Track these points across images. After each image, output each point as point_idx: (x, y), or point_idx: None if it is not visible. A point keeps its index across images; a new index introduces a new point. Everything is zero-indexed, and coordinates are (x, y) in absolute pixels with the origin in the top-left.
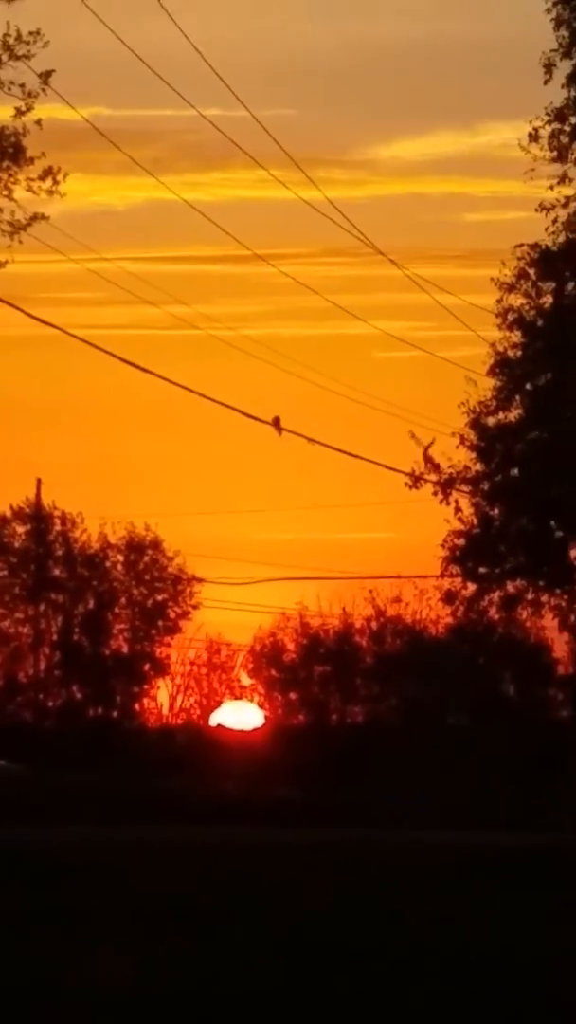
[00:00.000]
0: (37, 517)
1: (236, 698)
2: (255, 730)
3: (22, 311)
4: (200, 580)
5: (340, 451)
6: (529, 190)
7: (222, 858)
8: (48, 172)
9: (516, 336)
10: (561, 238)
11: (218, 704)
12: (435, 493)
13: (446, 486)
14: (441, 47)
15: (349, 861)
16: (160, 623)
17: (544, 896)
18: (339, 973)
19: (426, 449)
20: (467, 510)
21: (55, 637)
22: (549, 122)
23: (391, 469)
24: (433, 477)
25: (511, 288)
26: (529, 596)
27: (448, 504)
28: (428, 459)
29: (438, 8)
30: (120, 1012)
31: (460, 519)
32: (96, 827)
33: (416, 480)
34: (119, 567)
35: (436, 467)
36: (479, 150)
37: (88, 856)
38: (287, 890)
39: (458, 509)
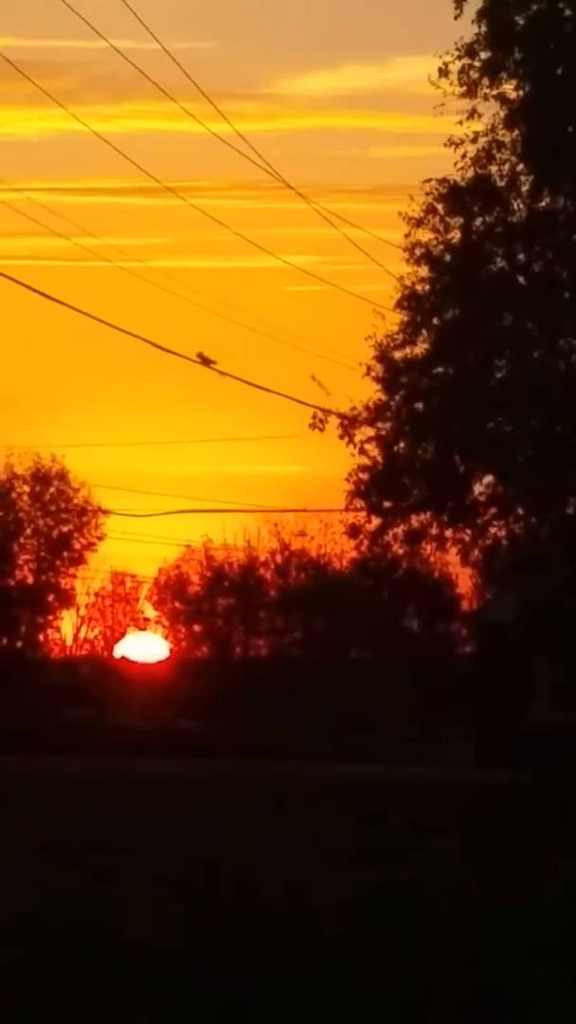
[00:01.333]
0: None
1: (140, 630)
2: (159, 662)
3: None
4: (106, 512)
5: (249, 383)
6: (438, 125)
7: (120, 790)
8: None
9: (424, 271)
10: (470, 173)
11: (122, 636)
12: (341, 436)
13: (349, 426)
14: None
15: (248, 795)
16: (65, 554)
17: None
18: (236, 913)
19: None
20: (371, 448)
21: None
22: (459, 57)
23: (299, 402)
24: (336, 421)
25: (419, 223)
26: (433, 531)
27: (352, 445)
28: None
29: None
30: (7, 941)
31: (364, 454)
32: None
33: (321, 422)
34: (24, 498)
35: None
36: (389, 85)
37: None
38: (185, 824)
39: (362, 450)
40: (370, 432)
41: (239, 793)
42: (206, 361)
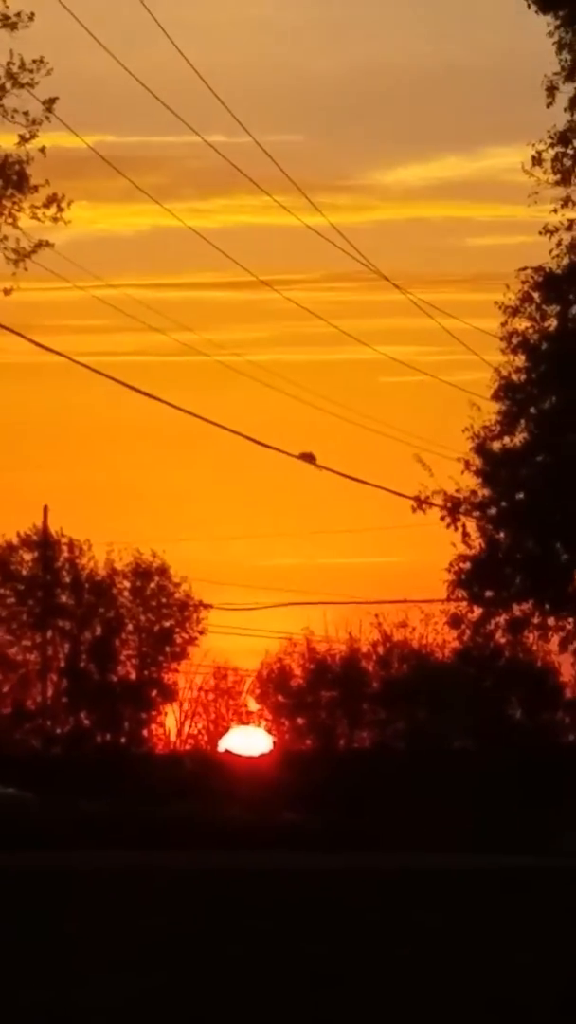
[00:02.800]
0: (44, 544)
1: (243, 723)
2: (263, 755)
3: (27, 339)
4: (207, 606)
5: (347, 476)
6: (533, 214)
7: (228, 883)
8: (52, 199)
9: (520, 360)
10: (565, 261)
11: (226, 729)
12: (443, 518)
13: (453, 510)
14: (443, 72)
15: (356, 888)
16: (167, 649)
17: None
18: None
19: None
20: (473, 534)
21: (62, 664)
22: (552, 145)
23: (397, 494)
24: (439, 501)
25: (515, 312)
26: (535, 620)
27: (455, 528)
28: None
29: (441, 33)
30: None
31: (467, 543)
32: (104, 853)
33: (421, 504)
34: (126, 593)
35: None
36: (482, 174)
37: (95, 882)
38: (293, 917)
39: (465, 533)
40: (472, 521)
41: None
42: (308, 458)
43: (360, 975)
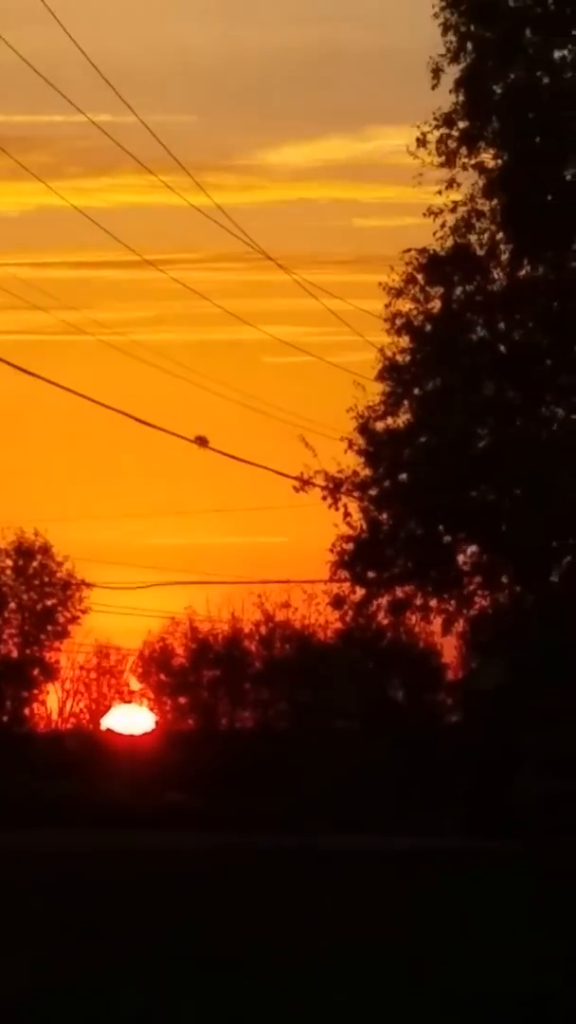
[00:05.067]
0: None
1: (126, 703)
2: (145, 734)
3: None
4: (89, 585)
5: (231, 456)
6: (417, 195)
7: (107, 863)
8: None
9: (404, 341)
10: (449, 243)
11: (108, 709)
12: (324, 497)
13: (334, 490)
14: (330, 52)
15: (237, 867)
16: (49, 628)
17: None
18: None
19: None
20: (356, 515)
21: None
22: (437, 127)
23: (281, 474)
24: (321, 481)
25: (399, 293)
26: (418, 601)
27: (337, 509)
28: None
29: (327, 14)
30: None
31: (348, 524)
32: None
33: (304, 484)
34: (8, 572)
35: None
36: (369, 156)
37: None
38: (174, 896)
39: (347, 514)
40: (354, 502)
41: (228, 864)
42: (202, 441)
43: (248, 954)
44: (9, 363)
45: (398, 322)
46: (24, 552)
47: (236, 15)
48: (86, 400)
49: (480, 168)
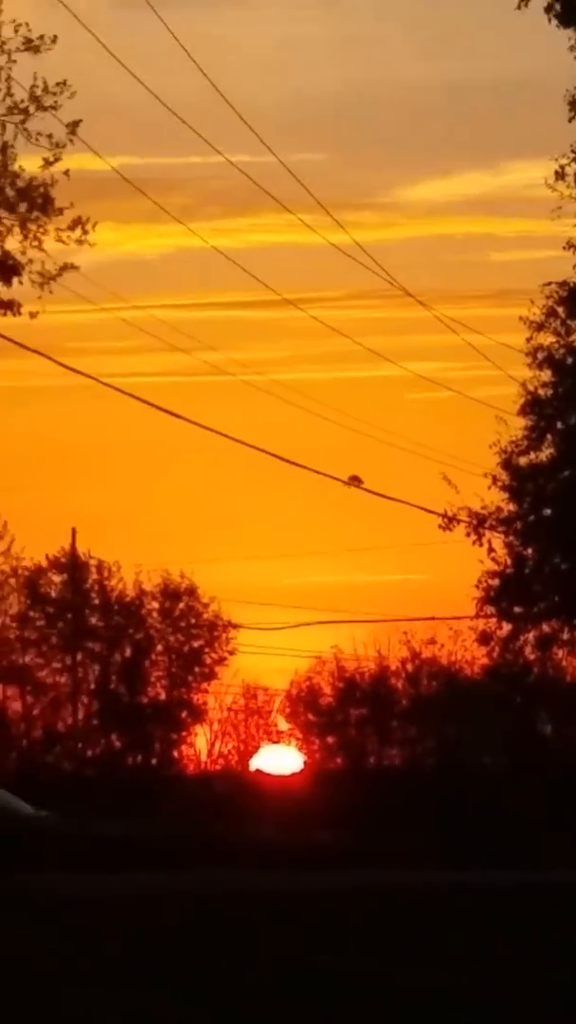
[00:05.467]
0: (73, 566)
1: (274, 743)
2: (294, 774)
3: (54, 361)
4: (236, 626)
5: (374, 493)
6: (556, 228)
7: (259, 904)
8: (77, 222)
9: (546, 375)
10: None
11: (256, 749)
12: (468, 534)
13: (479, 526)
14: (464, 87)
15: (388, 905)
16: (197, 669)
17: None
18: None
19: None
20: (500, 550)
21: (93, 686)
22: (575, 159)
23: (424, 510)
24: (465, 518)
25: (540, 327)
26: (564, 636)
27: (481, 545)
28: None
29: (461, 49)
30: None
31: (494, 559)
32: (137, 874)
33: (449, 521)
34: (155, 614)
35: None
36: (504, 189)
37: (128, 904)
38: (323, 935)
39: (491, 549)
40: (498, 537)
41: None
42: (355, 481)
43: (399, 993)
44: (153, 404)
45: (540, 356)
46: (171, 594)
47: (372, 51)
48: (229, 440)
49: None
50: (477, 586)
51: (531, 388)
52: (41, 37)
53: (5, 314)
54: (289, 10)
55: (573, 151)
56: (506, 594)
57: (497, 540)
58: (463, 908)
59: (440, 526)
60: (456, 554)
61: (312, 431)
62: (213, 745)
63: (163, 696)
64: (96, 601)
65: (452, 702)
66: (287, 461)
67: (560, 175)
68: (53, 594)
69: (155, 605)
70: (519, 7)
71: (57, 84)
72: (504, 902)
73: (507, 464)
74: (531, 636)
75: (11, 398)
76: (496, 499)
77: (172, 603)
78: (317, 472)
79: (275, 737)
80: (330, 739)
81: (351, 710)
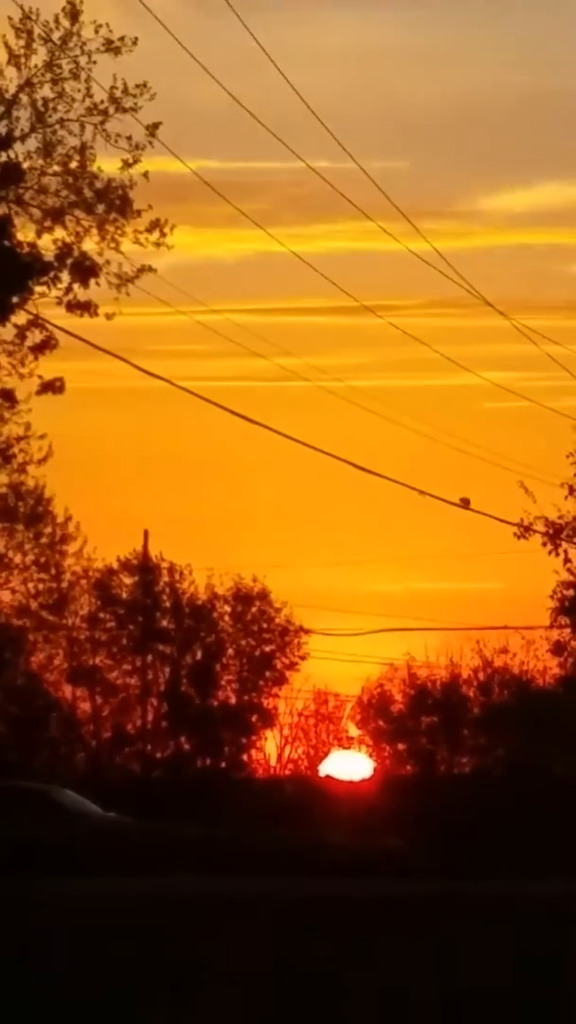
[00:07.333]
0: (144, 568)
1: (344, 749)
2: (363, 780)
3: (130, 363)
4: (307, 631)
5: (449, 502)
6: None
7: (326, 911)
8: (155, 224)
9: None
10: None
11: (326, 755)
12: (544, 544)
13: (555, 536)
14: (545, 97)
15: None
16: (267, 674)
17: None
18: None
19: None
20: None
21: (162, 688)
22: None
23: (500, 520)
24: (541, 527)
25: None
26: None
27: (557, 555)
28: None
29: (542, 59)
30: None
31: (569, 570)
32: (205, 879)
33: (525, 530)
34: (226, 618)
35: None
36: None
37: (196, 909)
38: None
39: (567, 560)
40: (574, 549)
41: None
42: (465, 503)
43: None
44: (228, 409)
45: None
46: (243, 598)
47: (452, 60)
48: (305, 446)
49: None
50: (552, 596)
51: None
52: (122, 39)
53: (82, 315)
54: (373, 16)
55: None
56: None
57: (573, 551)
58: (540, 919)
59: (516, 535)
60: (530, 564)
61: (389, 439)
62: (283, 750)
63: (233, 700)
64: (167, 604)
65: (523, 711)
66: (362, 469)
67: None
68: (124, 596)
69: (227, 609)
70: None
71: (137, 86)
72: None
73: None
74: None
75: (86, 399)
76: (573, 509)
77: (244, 607)
78: (392, 480)
79: (345, 743)
80: (400, 746)
81: (422, 718)
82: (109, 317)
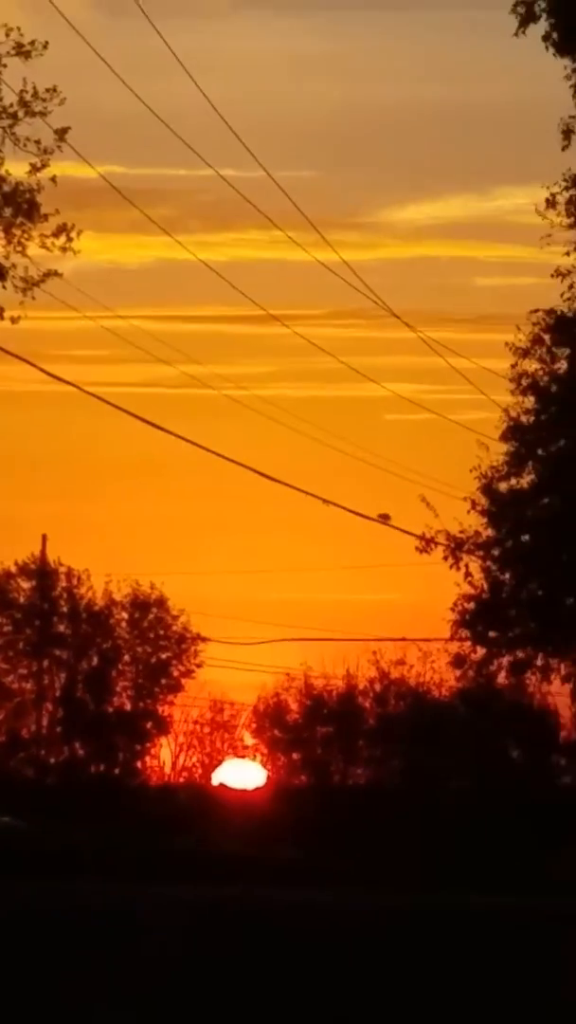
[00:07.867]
0: (42, 573)
1: (239, 757)
2: (256, 789)
3: (36, 367)
4: (204, 639)
5: (352, 512)
6: (541, 256)
7: (217, 918)
8: (62, 229)
9: (529, 402)
10: None
11: (220, 763)
12: (445, 557)
13: (456, 550)
14: (456, 111)
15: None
16: (163, 681)
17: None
18: None
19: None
20: (477, 575)
21: (58, 693)
22: (567, 188)
23: (402, 531)
24: (443, 541)
25: (525, 353)
26: (539, 662)
27: (458, 568)
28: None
29: (453, 72)
30: None
31: (470, 583)
32: (97, 884)
33: (427, 543)
34: (123, 624)
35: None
36: (492, 215)
37: (88, 913)
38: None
39: (468, 574)
40: (476, 561)
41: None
42: (385, 519)
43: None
44: (132, 414)
45: (524, 382)
46: (140, 605)
47: (363, 71)
48: (206, 452)
49: None
50: (452, 609)
51: (514, 414)
52: (32, 42)
53: None
54: (284, 25)
55: (565, 180)
56: (481, 618)
57: (474, 564)
58: (429, 929)
59: (417, 548)
60: (429, 577)
61: (292, 448)
62: (177, 758)
63: (128, 706)
64: (64, 609)
65: (419, 723)
66: (264, 476)
67: (551, 203)
68: (21, 600)
69: (124, 615)
70: (516, 34)
71: (47, 90)
72: (470, 923)
73: (487, 489)
74: (505, 661)
75: None
76: (475, 523)
77: (141, 613)
78: (294, 488)
79: (240, 752)
80: (295, 756)
81: (317, 728)
82: (14, 320)
